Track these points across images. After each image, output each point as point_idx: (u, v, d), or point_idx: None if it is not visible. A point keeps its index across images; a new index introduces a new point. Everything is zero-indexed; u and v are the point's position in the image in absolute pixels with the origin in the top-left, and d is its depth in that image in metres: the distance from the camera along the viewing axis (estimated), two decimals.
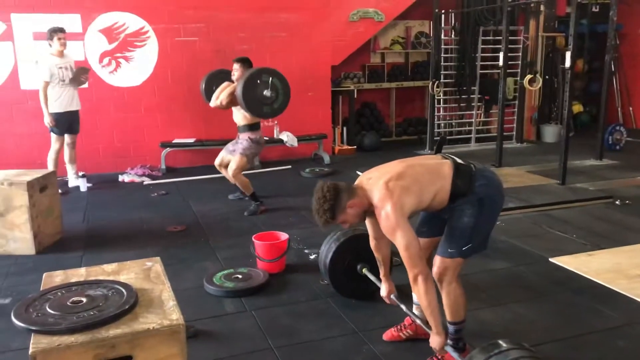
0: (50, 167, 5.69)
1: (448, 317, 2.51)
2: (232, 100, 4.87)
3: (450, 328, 2.51)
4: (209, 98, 5.28)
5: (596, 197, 5.33)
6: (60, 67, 5.65)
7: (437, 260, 2.44)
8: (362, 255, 3.11)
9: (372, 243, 2.69)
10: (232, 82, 4.96)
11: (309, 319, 3.05)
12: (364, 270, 3.10)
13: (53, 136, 5.79)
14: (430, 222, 2.63)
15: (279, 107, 4.93)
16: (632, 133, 8.39)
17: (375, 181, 2.39)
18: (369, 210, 2.40)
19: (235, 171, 4.96)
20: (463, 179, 2.38)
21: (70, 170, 6.10)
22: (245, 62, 4.94)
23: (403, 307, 2.65)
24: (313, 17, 7.41)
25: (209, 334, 2.90)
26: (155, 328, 1.88)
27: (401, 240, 2.25)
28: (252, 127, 5.01)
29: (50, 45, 5.65)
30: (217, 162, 5.21)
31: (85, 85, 6.12)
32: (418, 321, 2.62)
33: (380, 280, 2.80)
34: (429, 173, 2.41)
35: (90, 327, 1.85)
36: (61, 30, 5.63)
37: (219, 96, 4.91)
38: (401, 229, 2.25)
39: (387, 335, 2.82)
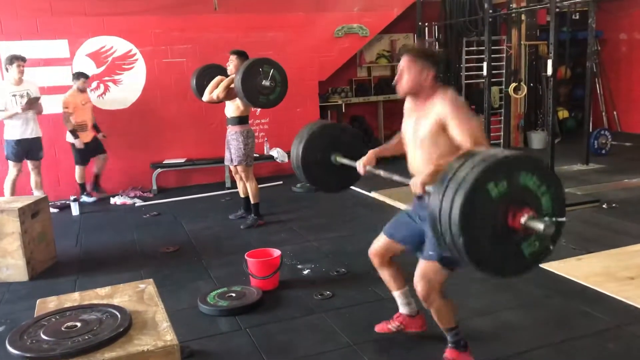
0: (7, 194, 5.67)
1: (441, 326, 2.56)
2: (227, 94, 4.90)
3: (448, 335, 2.56)
4: (200, 93, 5.30)
5: (584, 201, 5.40)
6: (15, 95, 5.60)
7: (419, 267, 2.45)
8: (332, 146, 3.04)
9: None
10: (224, 76, 5.01)
11: (303, 335, 3.07)
12: (338, 159, 3.01)
13: (10, 163, 5.78)
14: (402, 227, 2.66)
15: (275, 100, 4.92)
16: (617, 137, 8.50)
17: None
18: (422, 94, 2.41)
19: (245, 177, 5.13)
20: None
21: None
22: (242, 55, 5.00)
23: (381, 172, 2.62)
24: (298, 34, 7.51)
25: (204, 354, 2.91)
26: (150, 350, 1.90)
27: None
28: (241, 119, 5.05)
29: (7, 70, 5.63)
30: (234, 172, 5.31)
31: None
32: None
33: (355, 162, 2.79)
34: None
35: (85, 351, 1.86)
36: (22, 59, 5.61)
37: (213, 90, 4.94)
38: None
39: (378, 327, 2.93)
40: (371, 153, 2.77)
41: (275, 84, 4.82)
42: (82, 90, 6.33)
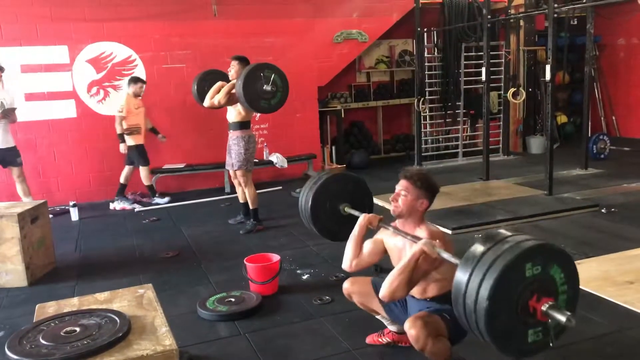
0: None
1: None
2: (229, 99, 4.92)
3: None
4: (201, 99, 5.32)
5: (583, 206, 5.41)
6: None
7: (411, 318, 2.37)
8: (341, 196, 3.09)
9: (353, 263, 2.71)
10: (226, 82, 5.03)
11: (303, 340, 3.06)
12: (346, 209, 3.05)
13: None
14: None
15: (276, 104, 4.92)
16: (615, 141, 8.53)
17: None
18: (410, 219, 2.49)
19: (244, 182, 5.13)
20: None
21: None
22: (243, 60, 5.02)
23: (391, 229, 2.60)
24: (298, 40, 7.54)
25: (203, 359, 2.90)
26: (149, 354, 1.90)
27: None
28: (243, 124, 5.07)
29: None
30: (232, 176, 5.31)
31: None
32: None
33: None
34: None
35: (83, 356, 1.87)
36: (1, 68, 5.61)
37: (215, 95, 4.95)
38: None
39: (369, 338, 2.94)
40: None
41: (276, 88, 4.83)
42: (137, 95, 6.34)
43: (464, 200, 5.63)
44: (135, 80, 6.32)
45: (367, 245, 2.71)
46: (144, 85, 6.41)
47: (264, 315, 3.39)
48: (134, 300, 2.36)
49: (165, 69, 6.97)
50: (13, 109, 5.71)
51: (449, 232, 4.57)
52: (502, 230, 2.01)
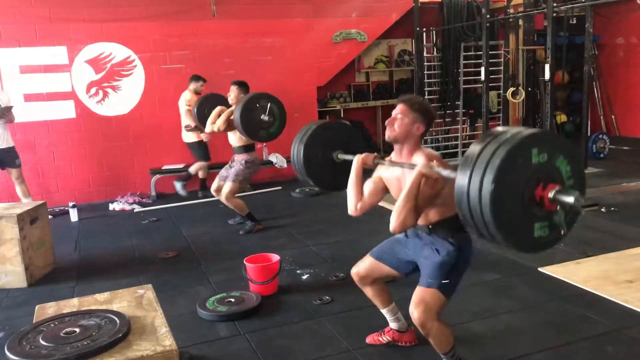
0: None
1: (438, 350, 2.50)
2: (228, 125, 4.93)
3: (444, 357, 2.51)
4: (202, 122, 5.35)
5: (583, 205, 5.39)
6: None
7: (416, 292, 2.42)
8: (333, 144, 3.02)
9: (357, 206, 2.66)
10: (225, 106, 5.03)
11: (303, 340, 3.06)
12: (339, 156, 2.98)
13: None
14: (393, 251, 2.67)
15: (275, 132, 4.96)
16: (615, 140, 8.53)
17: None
18: (406, 145, 2.45)
19: (227, 195, 5.01)
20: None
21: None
22: (242, 86, 5.02)
23: (387, 162, 2.57)
24: (297, 40, 7.54)
25: (203, 359, 2.90)
26: (149, 355, 1.90)
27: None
28: (247, 148, 5.08)
29: None
30: (213, 187, 5.24)
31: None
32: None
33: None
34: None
35: (83, 357, 1.87)
36: None
37: (215, 122, 4.96)
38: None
39: (369, 338, 2.92)
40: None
41: (274, 117, 4.86)
42: (197, 93, 6.42)
43: None
44: (197, 78, 6.47)
45: (367, 186, 2.65)
46: (204, 83, 6.51)
47: (264, 315, 3.39)
48: (133, 300, 2.36)
49: (165, 70, 6.97)
50: (9, 107, 5.70)
51: None
52: (500, 128, 1.92)
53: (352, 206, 2.67)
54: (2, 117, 5.63)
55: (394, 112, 2.47)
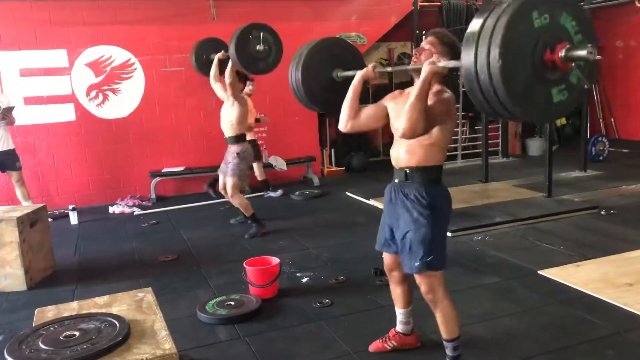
0: None
1: (444, 335, 2.54)
2: (234, 81, 4.89)
3: (449, 347, 2.54)
4: (201, 69, 5.18)
5: (582, 208, 5.41)
6: None
7: (416, 278, 2.49)
8: (331, 63, 2.92)
9: (348, 123, 2.58)
10: (225, 50, 4.98)
11: (303, 343, 3.06)
12: (339, 74, 2.89)
13: None
14: (384, 232, 2.67)
15: (274, 61, 4.87)
16: (614, 143, 8.55)
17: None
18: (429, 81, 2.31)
19: (231, 192, 5.02)
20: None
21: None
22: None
23: (389, 68, 2.55)
24: (297, 42, 7.44)
25: None
26: (149, 358, 1.90)
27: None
28: (238, 138, 5.05)
29: None
30: (220, 186, 5.26)
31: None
32: None
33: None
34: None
35: None
36: None
37: (217, 72, 4.90)
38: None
39: (373, 346, 2.89)
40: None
41: (269, 46, 4.77)
42: (250, 95, 6.42)
43: (464, 203, 5.63)
44: (251, 80, 6.51)
45: (368, 108, 2.58)
46: (253, 89, 6.55)
47: (264, 318, 3.39)
48: (133, 304, 2.36)
49: (164, 73, 6.97)
50: (11, 108, 5.70)
51: (449, 234, 4.57)
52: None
53: (344, 121, 2.57)
54: (3, 119, 5.63)
55: (422, 43, 2.45)
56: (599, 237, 4.62)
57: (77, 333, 2.04)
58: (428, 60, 2.26)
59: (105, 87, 6.79)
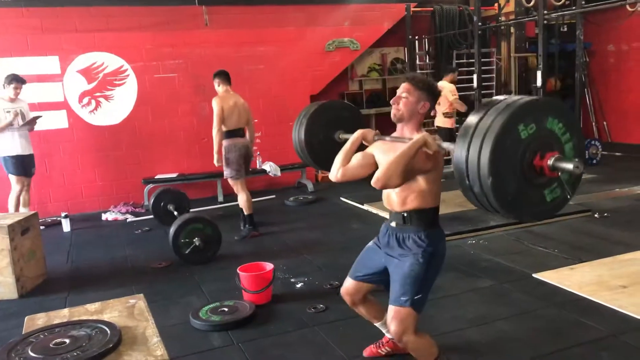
0: (11, 209, 5.69)
1: None
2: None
3: None
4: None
5: (576, 211, 5.42)
6: (9, 111, 5.64)
7: (392, 311, 2.38)
8: (334, 124, 2.99)
9: (339, 172, 2.57)
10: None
11: (297, 349, 3.04)
12: (341, 136, 2.93)
13: (13, 178, 5.75)
14: (368, 264, 2.62)
15: None
16: (607, 147, 8.58)
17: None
18: (410, 123, 2.41)
19: (235, 190, 5.29)
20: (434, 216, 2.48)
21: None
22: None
23: (387, 138, 2.53)
24: (290, 48, 7.55)
25: None
26: None
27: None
28: (226, 134, 5.18)
29: (4, 87, 5.71)
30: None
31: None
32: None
33: None
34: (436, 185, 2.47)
35: None
36: (22, 81, 5.69)
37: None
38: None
39: (367, 351, 2.87)
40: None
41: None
42: (453, 82, 6.87)
43: (458, 207, 5.62)
44: (453, 69, 7.05)
45: (356, 157, 2.58)
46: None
47: (258, 324, 3.36)
48: (125, 310, 2.34)
49: (157, 79, 6.96)
50: (38, 117, 5.87)
51: None
52: (474, 117, 1.91)
53: (335, 170, 2.57)
54: (27, 125, 5.75)
55: (399, 91, 2.45)
56: (593, 240, 4.62)
57: (67, 340, 2.02)
58: (428, 134, 2.27)
59: (98, 94, 6.77)
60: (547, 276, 3.82)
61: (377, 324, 2.81)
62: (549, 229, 4.99)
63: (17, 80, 5.66)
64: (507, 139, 1.76)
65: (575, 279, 3.75)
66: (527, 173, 1.80)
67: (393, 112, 2.45)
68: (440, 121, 6.98)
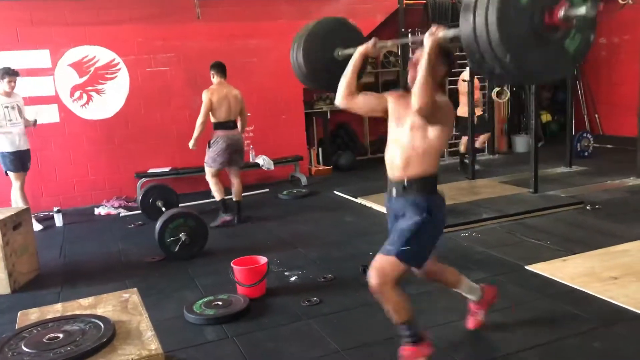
0: (21, 204, 5.63)
1: (394, 320, 2.51)
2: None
3: (401, 330, 2.52)
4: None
5: (568, 203, 5.45)
6: (7, 107, 5.57)
7: (375, 258, 2.45)
8: (333, 42, 2.91)
9: (344, 99, 2.60)
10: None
11: (291, 342, 3.04)
12: (341, 53, 2.87)
13: (12, 174, 5.69)
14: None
15: None
16: (599, 139, 8.64)
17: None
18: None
19: (207, 177, 5.51)
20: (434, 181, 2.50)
21: None
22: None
23: (389, 42, 2.58)
24: (282, 41, 7.47)
25: None
26: (134, 359, 1.87)
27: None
28: (213, 126, 5.39)
29: None
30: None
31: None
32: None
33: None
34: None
35: None
36: (15, 74, 5.58)
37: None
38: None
39: (471, 324, 2.97)
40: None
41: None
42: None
43: (450, 200, 5.60)
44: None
45: (370, 94, 2.59)
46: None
47: (252, 318, 3.36)
48: (118, 305, 2.33)
49: (149, 72, 6.92)
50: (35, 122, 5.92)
51: None
52: None
53: (341, 94, 2.57)
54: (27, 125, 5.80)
55: (416, 56, 2.44)
56: (585, 232, 4.65)
57: (60, 335, 2.01)
58: (428, 32, 2.26)
59: (90, 88, 6.72)
60: (539, 268, 3.84)
61: (459, 290, 2.87)
62: (541, 221, 5.02)
63: (9, 74, 5.54)
64: (509, 10, 1.70)
65: (567, 270, 3.77)
66: (543, 35, 1.74)
67: (410, 75, 2.44)
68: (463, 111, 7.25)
